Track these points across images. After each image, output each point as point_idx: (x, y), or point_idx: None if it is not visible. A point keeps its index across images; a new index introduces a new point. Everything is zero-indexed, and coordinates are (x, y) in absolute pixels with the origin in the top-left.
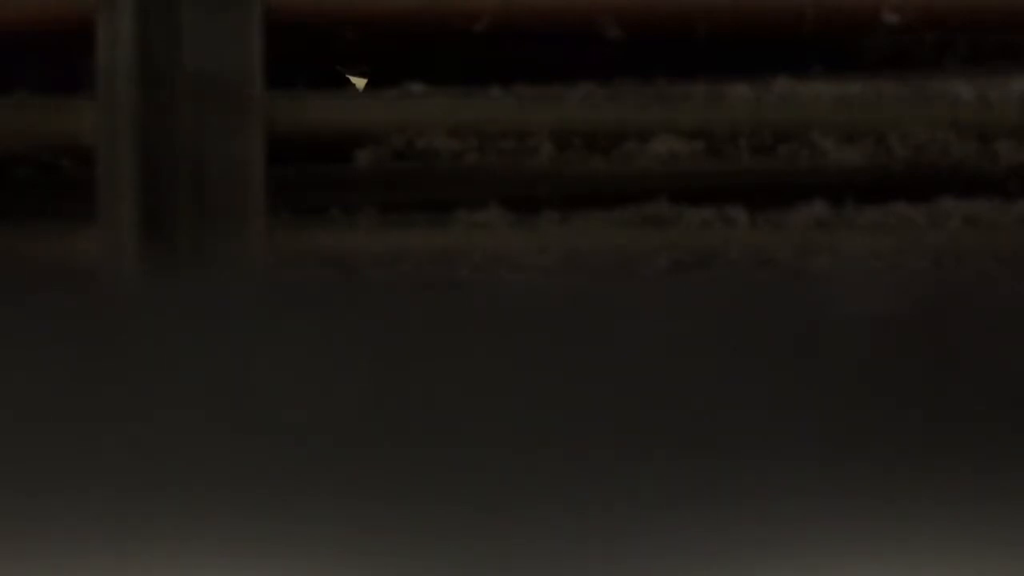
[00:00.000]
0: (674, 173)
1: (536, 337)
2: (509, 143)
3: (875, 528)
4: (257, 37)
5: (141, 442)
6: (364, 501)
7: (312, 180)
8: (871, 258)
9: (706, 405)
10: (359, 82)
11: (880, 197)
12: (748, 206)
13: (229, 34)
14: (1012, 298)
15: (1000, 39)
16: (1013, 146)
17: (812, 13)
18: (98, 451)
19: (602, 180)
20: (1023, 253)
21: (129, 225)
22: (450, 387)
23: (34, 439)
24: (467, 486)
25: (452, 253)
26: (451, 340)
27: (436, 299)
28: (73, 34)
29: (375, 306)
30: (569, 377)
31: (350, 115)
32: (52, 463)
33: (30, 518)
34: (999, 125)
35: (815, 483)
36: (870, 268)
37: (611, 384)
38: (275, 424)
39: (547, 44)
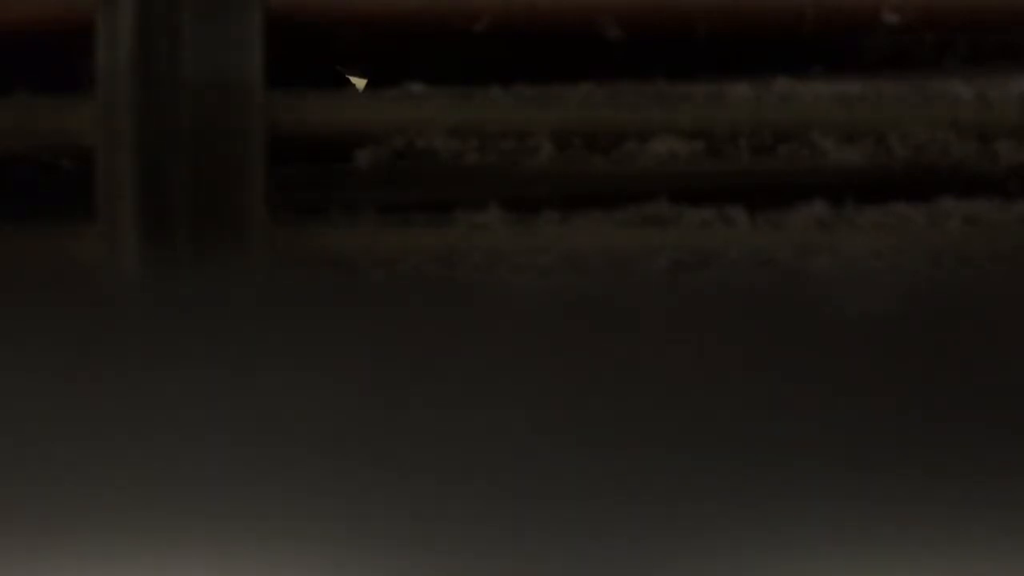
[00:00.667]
0: (674, 173)
1: (536, 337)
2: (509, 143)
3: (875, 528)
4: (257, 37)
5: (141, 442)
6: (364, 501)
7: (312, 180)
8: (871, 258)
9: (706, 405)
10: (359, 82)
11: (880, 197)
12: (748, 206)
13: (229, 34)
14: (1012, 298)
15: (1000, 39)
16: (1013, 146)
17: (812, 13)
18: (98, 451)
19: (602, 180)
20: (1023, 253)
21: (129, 225)
22: (450, 387)
23: (34, 439)
24: (467, 486)
25: (452, 253)
26: (451, 340)
27: (436, 299)
28: (73, 34)
29: (375, 306)
30: (569, 377)
31: (350, 115)
32: (52, 463)
33: (30, 518)
34: (999, 125)
35: (815, 483)
36: (870, 268)
37: (611, 384)
38: (275, 423)
39: (547, 44)
